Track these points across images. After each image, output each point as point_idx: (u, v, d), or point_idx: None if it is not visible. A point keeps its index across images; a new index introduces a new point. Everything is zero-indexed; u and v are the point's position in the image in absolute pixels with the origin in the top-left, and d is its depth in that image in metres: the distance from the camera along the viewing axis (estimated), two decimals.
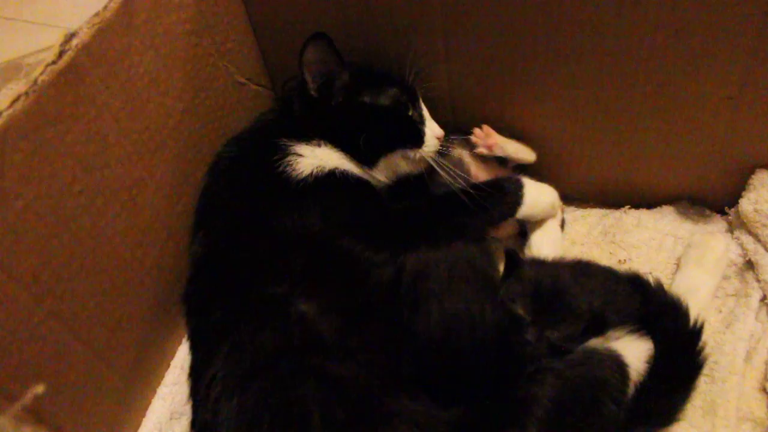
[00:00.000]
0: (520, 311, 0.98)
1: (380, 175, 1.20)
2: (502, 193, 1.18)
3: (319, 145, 1.13)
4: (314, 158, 1.10)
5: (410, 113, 1.18)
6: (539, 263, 1.13)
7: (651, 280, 1.13)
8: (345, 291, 0.98)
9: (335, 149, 1.14)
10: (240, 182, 1.12)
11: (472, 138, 1.25)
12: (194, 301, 1.04)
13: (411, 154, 1.18)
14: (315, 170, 1.08)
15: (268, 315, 0.93)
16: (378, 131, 1.15)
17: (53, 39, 0.89)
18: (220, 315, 0.96)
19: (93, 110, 0.95)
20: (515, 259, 1.08)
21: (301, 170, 1.08)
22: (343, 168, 1.13)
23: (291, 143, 1.11)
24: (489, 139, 1.24)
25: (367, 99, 1.15)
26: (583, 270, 1.11)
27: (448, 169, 1.18)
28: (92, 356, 1.02)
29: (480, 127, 1.26)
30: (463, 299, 0.99)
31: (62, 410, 0.98)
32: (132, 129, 1.04)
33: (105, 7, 0.95)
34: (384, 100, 1.15)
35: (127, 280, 1.08)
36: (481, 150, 1.25)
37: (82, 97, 0.93)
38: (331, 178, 1.09)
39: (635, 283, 1.12)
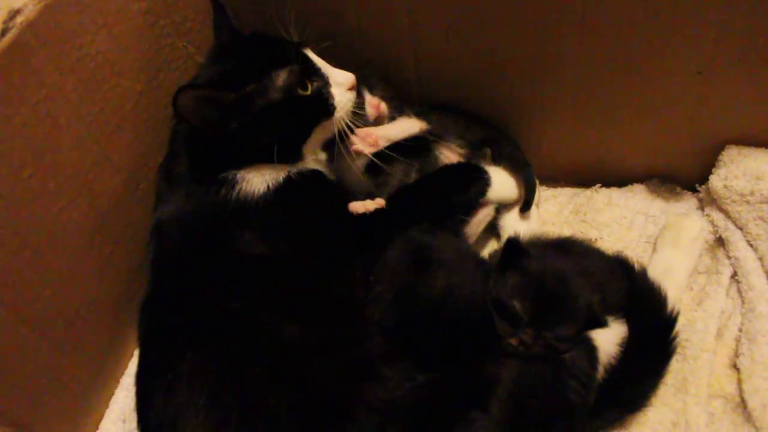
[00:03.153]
0: (519, 309, 0.92)
1: (310, 155, 1.12)
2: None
3: (258, 167, 1.05)
4: (263, 175, 1.05)
5: (308, 89, 1.06)
6: (542, 255, 1.03)
7: (635, 265, 1.12)
8: (305, 297, 0.99)
9: (268, 165, 1.06)
10: (194, 224, 1.03)
11: (352, 148, 1.14)
12: (150, 309, 1.02)
13: (327, 123, 1.09)
14: (270, 184, 1.04)
15: (232, 326, 0.93)
16: (288, 126, 1.06)
17: None
18: (180, 324, 0.95)
19: (42, 91, 0.91)
20: (518, 248, 1.00)
21: (258, 188, 1.03)
22: (295, 170, 1.08)
23: (233, 172, 1.04)
24: (369, 138, 1.16)
25: (259, 104, 1.02)
26: (579, 260, 1.08)
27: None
28: (50, 347, 1.00)
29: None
30: (466, 276, 1.02)
31: (19, 403, 0.96)
32: (85, 111, 1.00)
33: None
34: (275, 94, 1.03)
35: (84, 268, 1.05)
36: (368, 150, 1.16)
37: (30, 78, 0.89)
38: (288, 184, 1.05)
39: (622, 266, 1.12)
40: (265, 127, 1.03)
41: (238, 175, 1.03)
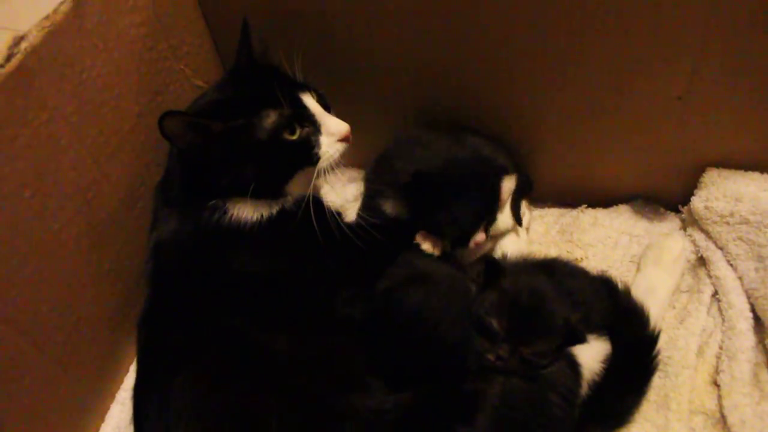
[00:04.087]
0: (495, 325, 0.96)
1: (294, 192, 1.10)
2: None
3: (246, 199, 1.05)
4: (254, 206, 1.06)
5: (295, 134, 1.05)
6: (520, 274, 1.06)
7: (619, 284, 1.15)
8: (297, 312, 1.01)
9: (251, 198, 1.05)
10: (190, 244, 1.05)
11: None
12: (148, 325, 1.03)
13: (310, 171, 1.08)
14: (264, 214, 1.06)
15: (225, 341, 0.95)
16: (269, 167, 1.05)
17: (2, 43, 0.88)
18: (176, 339, 0.97)
19: (44, 114, 0.94)
20: (496, 268, 1.03)
21: (251, 216, 1.05)
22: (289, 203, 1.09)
23: (222, 200, 1.05)
24: (479, 248, 1.21)
25: (244, 140, 1.03)
26: (563, 280, 1.10)
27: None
28: (48, 361, 1.02)
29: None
30: (442, 296, 1.04)
31: (16, 415, 0.98)
32: (86, 133, 1.03)
33: (55, 10, 0.94)
34: (261, 134, 1.03)
35: (83, 284, 1.07)
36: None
37: (32, 101, 0.92)
38: (282, 215, 1.07)
39: (606, 285, 1.15)
40: (246, 164, 1.04)
41: (228, 204, 1.04)
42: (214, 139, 1.01)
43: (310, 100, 1.09)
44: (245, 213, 1.04)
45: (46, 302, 1.00)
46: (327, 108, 1.12)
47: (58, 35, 0.94)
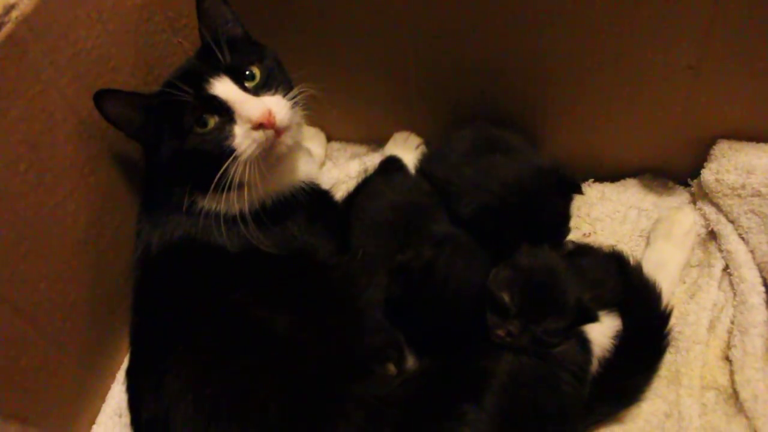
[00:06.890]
0: (507, 301, 0.94)
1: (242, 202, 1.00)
2: None
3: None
4: (217, 199, 0.99)
5: (207, 126, 0.95)
6: (535, 251, 1.02)
7: (631, 260, 1.13)
8: (296, 293, 0.99)
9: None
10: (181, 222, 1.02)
11: None
12: (139, 304, 1.02)
13: (233, 167, 0.94)
14: (234, 208, 1.00)
15: (222, 320, 0.93)
16: (191, 164, 0.96)
17: None
18: (170, 317, 0.95)
19: (37, 86, 0.92)
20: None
21: (223, 208, 1.00)
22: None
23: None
24: None
25: (167, 133, 0.96)
26: (577, 258, 1.09)
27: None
28: (46, 341, 1.00)
29: None
30: (472, 272, 1.02)
31: (16, 395, 0.96)
32: (81, 106, 1.00)
33: None
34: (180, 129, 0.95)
35: (81, 262, 1.06)
36: None
37: (25, 73, 0.89)
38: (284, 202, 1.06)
39: (617, 261, 1.13)
40: (174, 162, 0.98)
41: (194, 196, 1.00)
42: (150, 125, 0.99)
43: (221, 86, 0.95)
44: (214, 204, 1.00)
45: (43, 280, 0.98)
46: (271, 80, 1.00)
47: (50, 4, 0.92)
